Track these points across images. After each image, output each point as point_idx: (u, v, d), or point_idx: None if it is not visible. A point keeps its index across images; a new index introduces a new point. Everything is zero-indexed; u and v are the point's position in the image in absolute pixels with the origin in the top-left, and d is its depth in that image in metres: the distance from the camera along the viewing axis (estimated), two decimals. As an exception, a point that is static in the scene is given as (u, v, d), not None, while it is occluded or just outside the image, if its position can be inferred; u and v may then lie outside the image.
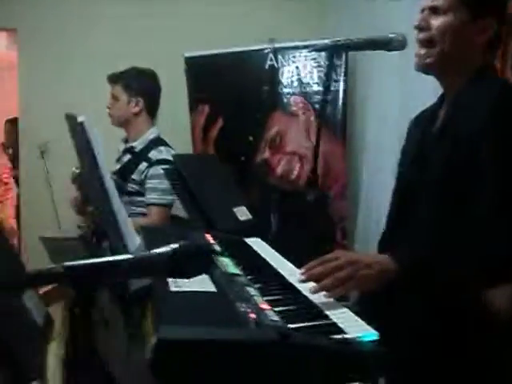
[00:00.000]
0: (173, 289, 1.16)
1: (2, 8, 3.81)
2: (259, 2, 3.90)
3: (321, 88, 3.62)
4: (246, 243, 1.93)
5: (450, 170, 1.51)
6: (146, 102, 2.79)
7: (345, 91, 3.58)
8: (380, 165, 3.42)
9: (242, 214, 2.37)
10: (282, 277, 1.46)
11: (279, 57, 3.68)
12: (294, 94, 3.67)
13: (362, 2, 3.71)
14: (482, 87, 1.57)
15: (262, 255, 1.71)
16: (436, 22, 1.56)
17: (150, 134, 2.81)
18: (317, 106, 3.62)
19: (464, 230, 1.45)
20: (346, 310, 1.24)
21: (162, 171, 2.57)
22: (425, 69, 1.63)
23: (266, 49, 3.69)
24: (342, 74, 3.58)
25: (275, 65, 3.69)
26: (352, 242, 3.60)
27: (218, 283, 1.26)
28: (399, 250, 1.47)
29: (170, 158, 2.64)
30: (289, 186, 3.66)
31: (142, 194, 2.61)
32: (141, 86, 2.79)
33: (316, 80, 3.63)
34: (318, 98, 3.62)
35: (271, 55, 3.68)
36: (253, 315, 1.09)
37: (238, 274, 1.42)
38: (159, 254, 0.76)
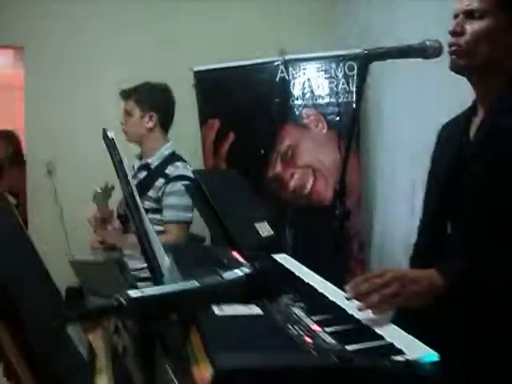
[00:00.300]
0: (217, 312, 1.11)
1: (8, 25, 3.76)
2: (267, 14, 3.85)
3: (333, 100, 3.57)
4: (275, 260, 1.87)
5: (495, 178, 1.47)
6: (160, 116, 2.74)
7: (357, 102, 3.52)
8: (395, 176, 3.37)
9: (264, 229, 2.31)
10: (323, 295, 1.40)
11: (290, 69, 3.63)
12: (305, 106, 3.61)
13: (371, 13, 3.68)
14: None
15: (296, 272, 1.65)
16: (471, 27, 1.52)
17: (166, 149, 2.75)
18: (329, 117, 3.57)
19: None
20: (396, 328, 1.19)
21: (179, 187, 2.51)
22: (460, 72, 1.58)
23: (277, 61, 3.64)
24: (355, 85, 3.53)
25: (286, 77, 3.64)
26: (369, 254, 3.54)
27: (262, 305, 1.21)
28: (446, 265, 1.41)
29: (188, 174, 2.59)
30: (302, 201, 3.59)
31: (158, 212, 2.55)
32: (154, 100, 2.74)
33: (328, 91, 3.58)
34: (330, 109, 3.57)
35: (282, 67, 3.63)
36: (308, 339, 1.04)
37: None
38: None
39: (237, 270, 0.73)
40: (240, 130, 3.65)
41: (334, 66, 3.56)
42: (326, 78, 3.59)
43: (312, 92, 3.60)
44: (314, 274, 1.65)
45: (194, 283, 0.74)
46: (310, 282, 1.52)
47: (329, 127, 3.58)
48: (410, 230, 3.18)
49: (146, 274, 1.37)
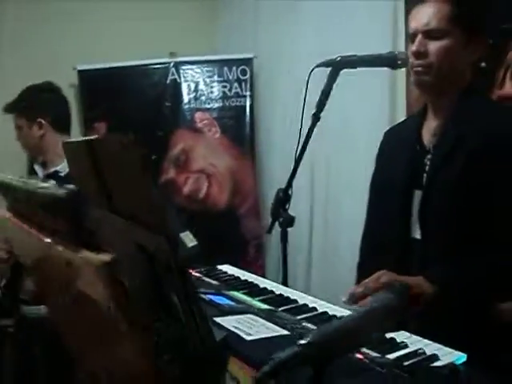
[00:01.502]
0: (248, 338, 1.05)
1: None
2: (157, 15, 3.69)
3: (226, 104, 3.53)
4: (224, 272, 1.80)
5: (469, 182, 1.51)
6: (50, 120, 2.48)
7: (251, 107, 3.52)
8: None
9: (189, 239, 2.21)
10: (307, 306, 1.36)
11: (181, 71, 3.52)
12: (198, 109, 3.53)
13: (258, 23, 3.70)
14: (477, 104, 1.61)
15: (259, 284, 1.58)
16: (434, 47, 1.55)
17: None
18: (222, 122, 3.52)
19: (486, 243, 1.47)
20: (409, 334, 1.19)
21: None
22: (424, 88, 1.63)
23: (168, 63, 3.51)
24: (248, 90, 3.52)
25: (177, 80, 3.53)
26: (265, 258, 3.54)
27: (281, 324, 1.16)
28: (433, 272, 1.44)
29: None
30: (197, 206, 3.51)
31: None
32: (38, 105, 2.48)
33: (220, 95, 3.53)
34: (223, 113, 3.53)
35: (173, 69, 3.51)
36: (359, 355, 1.00)
37: (273, 310, 1.30)
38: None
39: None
40: (128, 134, 3.45)
41: (226, 69, 3.53)
42: (218, 81, 3.53)
43: (204, 95, 3.53)
44: (271, 282, 1.60)
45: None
46: (279, 291, 1.49)
47: (222, 131, 3.53)
48: (309, 232, 3.29)
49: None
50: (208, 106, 3.52)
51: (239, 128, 3.51)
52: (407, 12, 2.60)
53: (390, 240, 1.67)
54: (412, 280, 1.40)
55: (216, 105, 3.53)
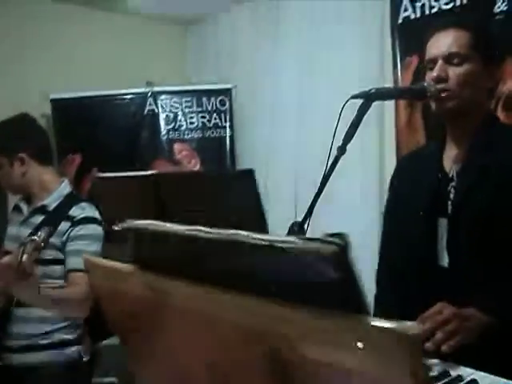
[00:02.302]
0: None
1: None
2: (133, 46, 3.59)
3: (205, 134, 3.45)
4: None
5: (497, 209, 1.50)
6: (31, 153, 2.31)
7: (231, 137, 3.45)
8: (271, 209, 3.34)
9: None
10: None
11: (159, 101, 3.42)
12: (176, 140, 3.42)
13: (235, 52, 3.66)
14: (498, 131, 1.62)
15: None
16: (454, 72, 1.56)
17: (64, 188, 2.34)
18: (201, 153, 3.43)
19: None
20: (463, 367, 1.16)
21: (88, 231, 2.15)
22: (447, 114, 1.62)
23: (145, 93, 3.40)
24: (228, 120, 3.45)
25: (155, 110, 3.42)
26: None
27: None
28: (483, 301, 1.40)
29: (97, 216, 2.24)
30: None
31: (59, 263, 2.14)
32: (15, 140, 2.31)
33: (200, 126, 3.45)
34: (202, 144, 3.44)
35: (150, 99, 3.41)
36: None
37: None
38: None
39: None
40: (104, 166, 3.30)
41: (205, 100, 3.45)
42: (197, 112, 3.45)
43: (183, 126, 3.43)
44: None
45: None
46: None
47: (201, 163, 3.43)
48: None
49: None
50: (187, 137, 3.43)
51: (219, 159, 3.42)
52: (407, 38, 2.64)
53: (414, 269, 1.63)
54: (469, 311, 1.36)
55: (195, 136, 3.44)
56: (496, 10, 2.24)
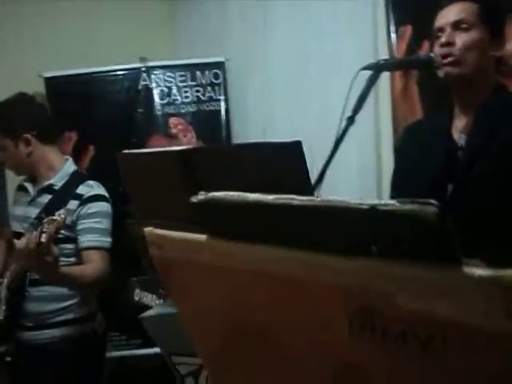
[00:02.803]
0: None
1: None
2: (124, 22, 3.57)
3: (200, 108, 3.47)
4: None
5: (504, 174, 1.56)
6: (36, 133, 2.32)
7: (226, 110, 3.47)
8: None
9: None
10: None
11: (153, 76, 3.42)
12: (172, 115, 3.43)
13: (225, 25, 3.65)
14: (507, 100, 1.69)
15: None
16: (460, 38, 1.63)
17: (69, 167, 2.37)
18: (197, 126, 3.45)
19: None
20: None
21: (99, 209, 2.19)
22: (455, 80, 1.67)
23: (138, 68, 3.39)
24: (222, 94, 3.47)
25: (149, 85, 3.42)
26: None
27: None
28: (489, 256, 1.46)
29: (105, 194, 2.27)
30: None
31: (70, 241, 2.17)
32: (20, 119, 2.31)
33: (194, 100, 3.46)
34: (197, 118, 3.45)
35: (144, 75, 3.40)
36: None
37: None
38: None
39: None
40: (101, 143, 3.32)
41: (199, 74, 3.45)
42: (191, 86, 3.46)
43: (178, 101, 3.44)
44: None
45: None
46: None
47: (197, 136, 3.45)
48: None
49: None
50: (182, 111, 3.44)
51: (215, 132, 3.44)
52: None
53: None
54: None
55: (190, 109, 3.45)
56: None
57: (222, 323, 0.69)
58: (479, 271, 0.43)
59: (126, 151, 1.22)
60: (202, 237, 0.67)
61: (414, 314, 0.47)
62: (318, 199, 0.51)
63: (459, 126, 1.72)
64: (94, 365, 2.30)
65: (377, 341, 0.53)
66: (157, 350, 3.27)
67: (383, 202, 0.46)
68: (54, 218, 1.74)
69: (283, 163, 0.91)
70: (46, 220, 1.75)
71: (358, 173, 2.96)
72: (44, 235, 1.69)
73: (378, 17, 2.83)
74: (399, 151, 1.93)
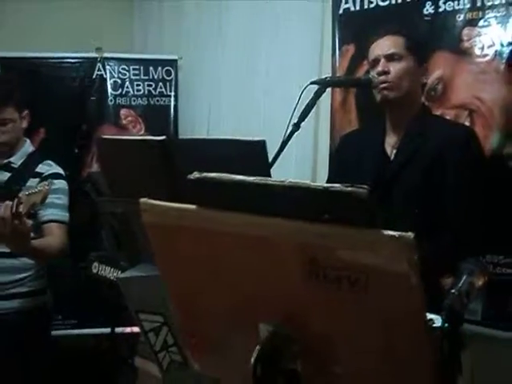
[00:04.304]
0: None
1: None
2: (86, 10, 3.68)
3: (151, 102, 3.63)
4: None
5: (427, 184, 1.85)
6: (29, 112, 2.46)
7: (175, 106, 3.65)
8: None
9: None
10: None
11: (108, 67, 3.56)
12: (123, 106, 3.59)
13: (181, 23, 3.83)
14: (432, 120, 1.99)
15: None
16: (394, 67, 1.93)
17: (28, 147, 2.49)
18: (146, 119, 3.62)
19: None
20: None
21: (58, 186, 2.33)
22: (390, 103, 1.95)
23: (94, 58, 3.53)
24: (173, 90, 3.65)
25: (104, 75, 3.55)
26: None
27: None
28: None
29: (62, 173, 2.42)
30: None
31: (32, 216, 2.30)
32: (21, 95, 2.44)
33: (146, 93, 3.62)
34: (147, 111, 3.62)
35: (99, 65, 3.54)
36: None
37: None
38: None
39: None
40: (51, 127, 3.43)
41: (152, 69, 3.62)
42: (143, 80, 3.62)
43: (130, 93, 3.59)
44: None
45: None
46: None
47: (146, 129, 3.62)
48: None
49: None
50: (133, 104, 3.60)
51: (163, 127, 3.61)
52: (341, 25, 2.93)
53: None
54: None
55: (141, 102, 3.61)
56: (425, 11, 2.58)
57: (204, 275, 0.90)
58: (391, 232, 0.66)
59: (106, 136, 1.40)
60: (192, 206, 0.88)
61: (347, 263, 0.71)
62: (288, 180, 0.73)
63: (391, 142, 2.00)
64: (44, 339, 2.42)
65: (320, 285, 0.76)
66: (92, 330, 3.41)
67: (333, 185, 0.69)
68: (38, 189, 1.86)
69: (248, 159, 1.12)
70: (27, 192, 1.87)
71: (296, 176, 3.21)
72: (22, 206, 1.80)
73: (325, 34, 3.09)
74: (334, 157, 2.20)
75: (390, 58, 1.94)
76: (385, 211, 1.86)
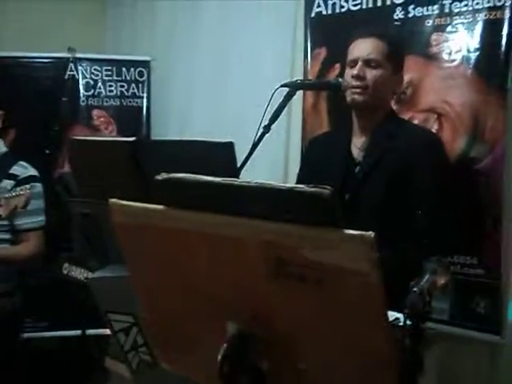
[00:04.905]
0: None
1: None
2: (59, 10, 3.66)
3: (123, 103, 3.62)
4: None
5: (394, 186, 1.89)
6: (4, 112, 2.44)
7: (148, 108, 3.65)
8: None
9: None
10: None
11: (80, 68, 3.54)
12: (95, 107, 3.57)
13: (154, 25, 3.84)
14: (399, 125, 2.02)
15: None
16: (370, 74, 1.94)
17: (1, 147, 2.47)
18: (119, 120, 3.61)
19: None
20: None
21: (35, 190, 2.32)
22: (359, 106, 1.98)
23: (66, 58, 3.51)
24: (145, 91, 3.65)
25: (76, 76, 3.54)
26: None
27: None
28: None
29: (37, 175, 2.41)
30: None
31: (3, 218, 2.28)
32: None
33: (118, 95, 3.61)
34: (119, 112, 3.61)
35: (72, 65, 3.52)
36: None
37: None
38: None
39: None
40: (23, 127, 3.40)
41: (124, 70, 3.62)
42: (116, 81, 3.61)
43: (102, 94, 3.58)
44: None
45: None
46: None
47: (118, 130, 3.61)
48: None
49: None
50: (105, 104, 3.58)
51: (135, 128, 3.61)
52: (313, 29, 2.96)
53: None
54: None
55: (113, 103, 3.60)
56: (395, 16, 2.62)
57: (171, 275, 0.91)
58: (352, 232, 0.68)
59: (78, 138, 1.41)
60: (160, 207, 0.89)
61: (310, 261, 0.73)
62: (253, 181, 0.75)
63: (358, 144, 2.03)
64: (13, 342, 2.40)
65: (285, 283, 0.78)
66: (63, 332, 3.38)
67: (297, 185, 0.71)
68: (19, 193, 1.85)
69: (217, 159, 1.14)
70: (7, 195, 1.86)
71: (267, 175, 3.22)
72: (1, 209, 1.79)
73: (297, 37, 3.11)
74: (304, 160, 2.22)
75: (368, 63, 1.95)
76: (351, 214, 1.90)
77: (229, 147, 1.14)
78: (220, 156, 1.15)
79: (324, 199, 0.68)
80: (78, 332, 3.02)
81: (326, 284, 0.73)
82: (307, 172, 2.16)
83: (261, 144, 3.10)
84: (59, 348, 3.48)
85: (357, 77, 1.94)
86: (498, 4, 2.30)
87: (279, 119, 3.12)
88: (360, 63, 1.95)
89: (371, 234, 0.67)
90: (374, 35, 1.97)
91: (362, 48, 1.96)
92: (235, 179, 0.76)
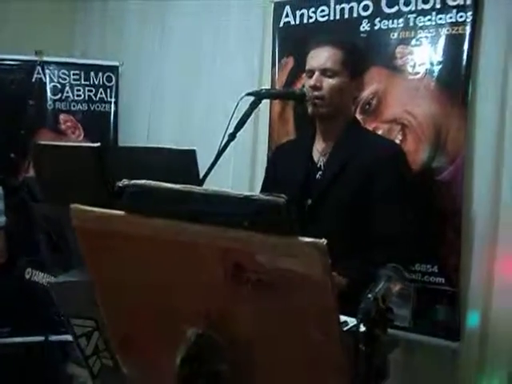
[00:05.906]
0: None
1: None
2: (27, 13, 3.63)
3: (91, 108, 3.61)
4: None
5: (356, 195, 1.92)
6: None
7: (115, 113, 3.64)
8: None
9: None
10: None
11: (47, 71, 3.51)
12: (62, 111, 3.55)
13: (123, 29, 3.83)
14: (359, 133, 2.06)
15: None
16: (327, 83, 1.98)
17: None
18: (86, 125, 3.59)
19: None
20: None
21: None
22: (319, 116, 2.02)
23: (34, 61, 3.48)
24: (113, 96, 3.64)
25: (43, 79, 3.51)
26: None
27: None
28: (345, 266, 1.78)
29: (-2, 175, 2.40)
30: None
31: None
32: None
33: (86, 99, 3.60)
34: (87, 117, 3.59)
35: (39, 68, 3.49)
36: None
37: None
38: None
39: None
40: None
41: (92, 74, 3.60)
42: (84, 85, 3.59)
43: (70, 98, 3.56)
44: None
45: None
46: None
47: (85, 135, 3.59)
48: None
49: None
50: (73, 109, 3.56)
51: (103, 133, 3.60)
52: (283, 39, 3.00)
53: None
54: None
55: (81, 108, 3.58)
56: (361, 28, 2.67)
57: (131, 280, 0.93)
58: (306, 239, 0.71)
59: (42, 142, 1.41)
60: (121, 212, 0.90)
61: (266, 267, 0.75)
62: (211, 189, 0.77)
63: (319, 148, 2.07)
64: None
65: (243, 288, 0.80)
66: (26, 338, 3.34)
67: (253, 194, 0.73)
68: None
69: (179, 167, 1.15)
70: None
71: (233, 183, 3.24)
72: None
73: (265, 47, 3.15)
74: (268, 167, 2.25)
75: (325, 72, 1.99)
76: (313, 219, 1.93)
77: (191, 155, 1.16)
78: (182, 163, 1.17)
79: (278, 207, 0.70)
80: (42, 338, 2.99)
81: (281, 289, 0.75)
82: (272, 179, 2.19)
83: (227, 152, 3.14)
84: (21, 354, 3.43)
85: (314, 87, 1.97)
86: (460, 20, 2.37)
87: (245, 127, 3.16)
88: (317, 73, 1.98)
89: (324, 241, 0.69)
90: (329, 43, 2.00)
91: (318, 57, 1.99)
92: (194, 186, 0.78)
